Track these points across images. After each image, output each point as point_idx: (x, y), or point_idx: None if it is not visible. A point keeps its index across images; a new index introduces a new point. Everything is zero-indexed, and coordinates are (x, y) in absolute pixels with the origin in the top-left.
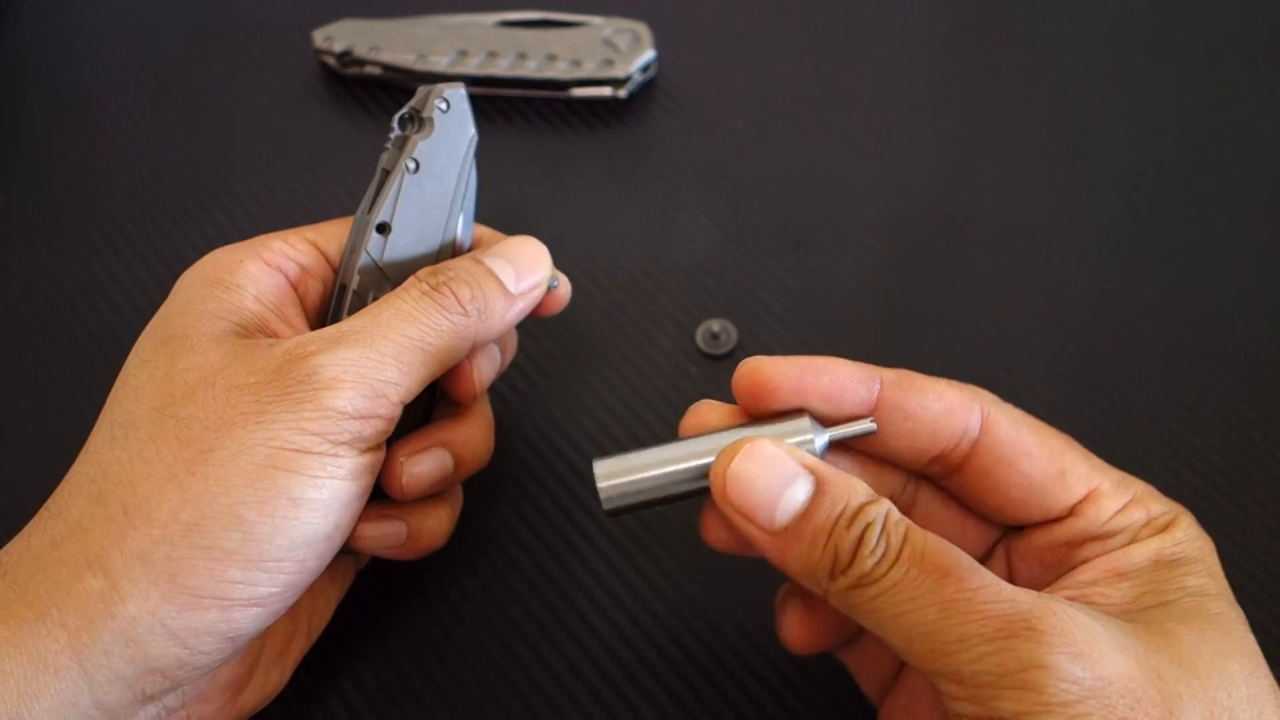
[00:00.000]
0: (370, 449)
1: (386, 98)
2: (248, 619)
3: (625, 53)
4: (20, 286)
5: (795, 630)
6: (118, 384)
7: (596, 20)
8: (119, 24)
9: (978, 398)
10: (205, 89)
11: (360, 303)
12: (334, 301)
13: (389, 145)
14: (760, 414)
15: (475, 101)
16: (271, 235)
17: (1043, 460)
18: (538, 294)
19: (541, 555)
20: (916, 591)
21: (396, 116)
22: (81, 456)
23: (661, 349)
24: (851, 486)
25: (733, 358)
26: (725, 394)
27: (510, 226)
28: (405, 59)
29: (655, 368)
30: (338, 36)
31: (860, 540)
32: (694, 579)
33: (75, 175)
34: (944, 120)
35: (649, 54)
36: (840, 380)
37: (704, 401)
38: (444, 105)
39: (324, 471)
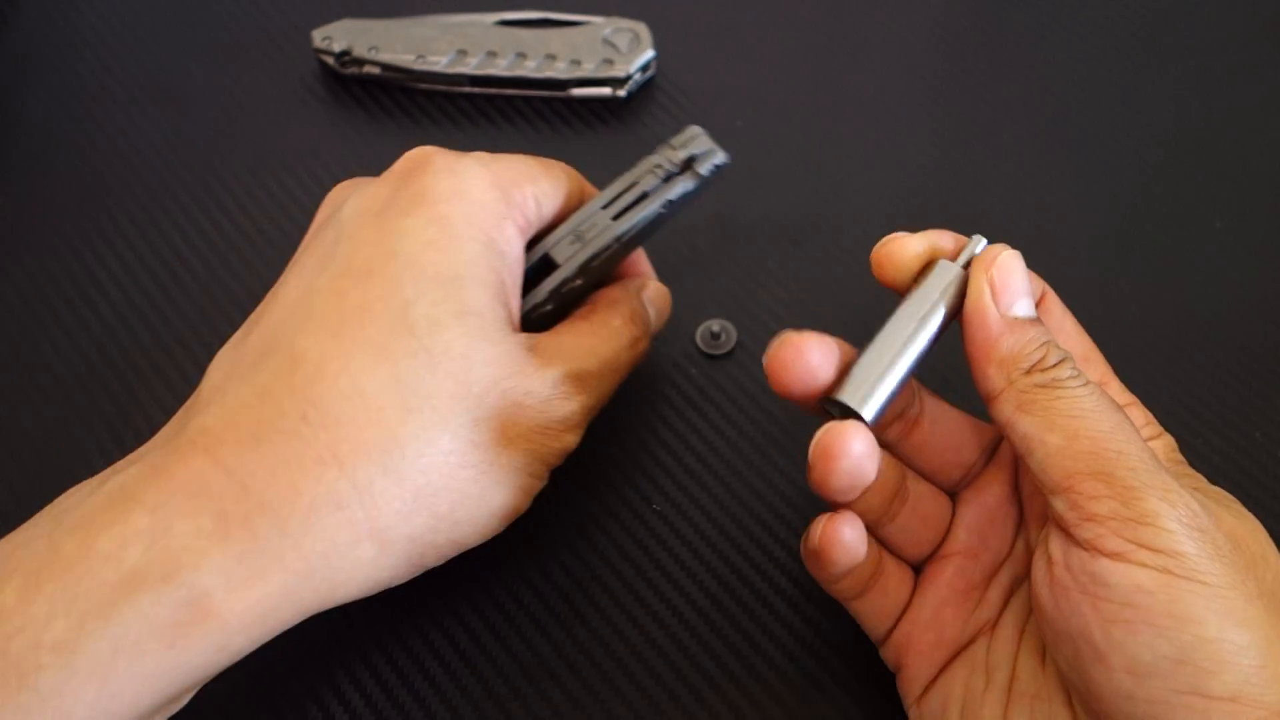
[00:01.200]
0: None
1: (386, 97)
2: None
3: (625, 52)
4: (20, 286)
5: (842, 547)
6: (389, 309)
7: (596, 20)
8: (119, 24)
9: (1039, 279)
10: (205, 89)
11: (556, 288)
12: (535, 266)
13: (659, 168)
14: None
15: (475, 101)
16: (513, 178)
17: (1076, 341)
18: (657, 329)
19: (543, 555)
20: (1097, 406)
21: (680, 154)
22: (345, 391)
23: (661, 349)
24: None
25: (733, 358)
26: (725, 394)
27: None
28: (404, 59)
29: (655, 367)
30: (337, 36)
31: (1064, 360)
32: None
33: (75, 175)
34: (944, 120)
35: (648, 54)
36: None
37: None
38: (715, 172)
39: (527, 499)
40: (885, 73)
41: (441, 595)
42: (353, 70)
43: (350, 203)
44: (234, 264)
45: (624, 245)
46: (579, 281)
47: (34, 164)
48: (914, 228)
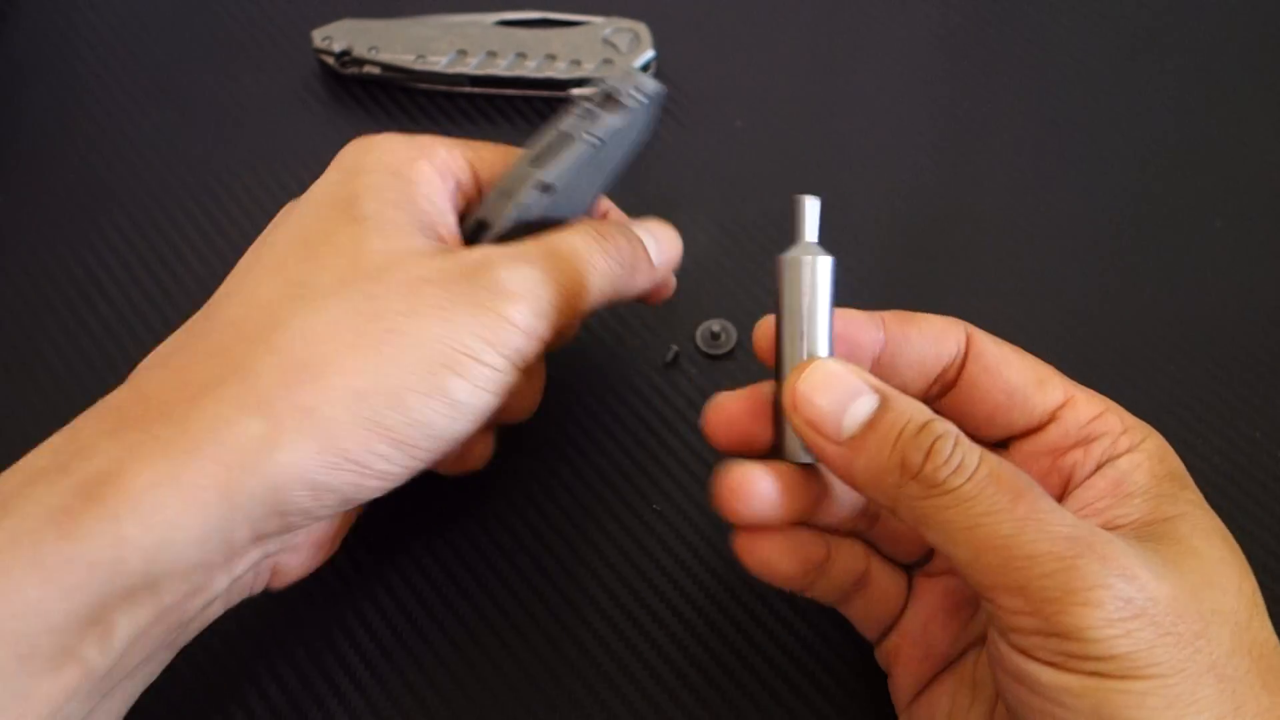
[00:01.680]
0: (520, 369)
1: (386, 97)
2: (371, 488)
3: (625, 52)
4: (20, 286)
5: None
6: (290, 242)
7: (596, 20)
8: (119, 24)
9: (959, 322)
10: (205, 89)
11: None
12: (471, 230)
13: (576, 111)
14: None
15: (475, 101)
16: (435, 139)
17: (1023, 369)
18: (667, 274)
19: (543, 554)
20: (991, 507)
21: (597, 89)
22: (241, 301)
23: (662, 349)
24: (917, 406)
25: (733, 358)
26: None
27: None
28: (404, 59)
29: (655, 367)
30: (337, 36)
31: (930, 450)
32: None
33: (75, 175)
34: (944, 120)
35: (649, 54)
36: (856, 326)
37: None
38: (645, 99)
39: (484, 381)
40: (885, 72)
41: (439, 591)
42: (353, 70)
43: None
44: (234, 264)
45: (565, 194)
46: (518, 237)
47: (34, 164)
48: (914, 227)
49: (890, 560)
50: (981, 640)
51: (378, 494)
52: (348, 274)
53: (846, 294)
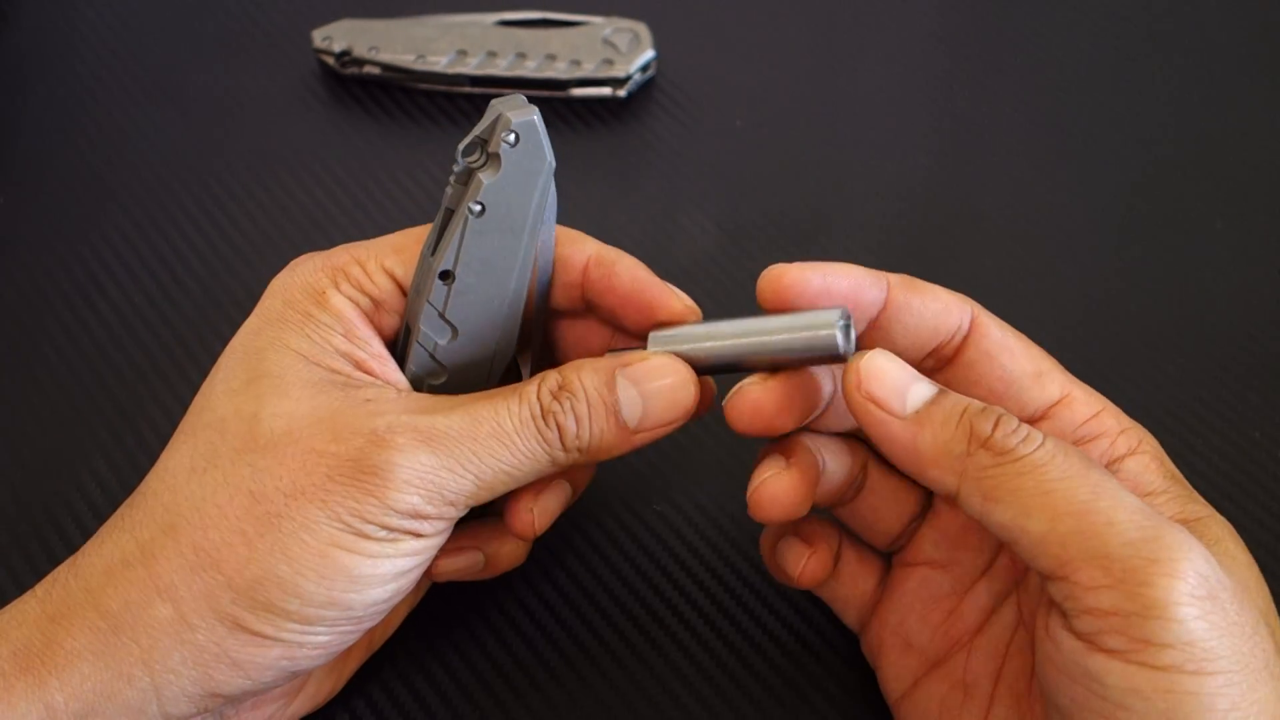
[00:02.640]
0: (433, 536)
1: (386, 97)
2: (309, 659)
3: (625, 52)
4: (20, 286)
5: (800, 564)
6: (202, 406)
7: (596, 20)
8: (119, 24)
9: (968, 301)
10: (205, 89)
11: (425, 353)
12: (401, 338)
13: (452, 180)
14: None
15: (475, 101)
16: (350, 259)
17: (1023, 359)
18: (664, 434)
19: (543, 554)
20: (1066, 472)
21: (461, 145)
22: (159, 471)
23: None
24: (969, 398)
25: None
26: (723, 392)
27: None
28: (404, 59)
29: None
30: (337, 36)
31: (998, 422)
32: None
33: (75, 175)
34: (944, 120)
35: (648, 54)
36: (857, 282)
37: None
38: (512, 139)
39: (382, 553)
40: (885, 73)
41: (441, 595)
42: (353, 70)
43: None
44: (234, 264)
45: (482, 272)
46: (449, 339)
47: (34, 164)
48: (914, 227)
49: (865, 546)
50: (970, 641)
51: (331, 658)
52: (243, 442)
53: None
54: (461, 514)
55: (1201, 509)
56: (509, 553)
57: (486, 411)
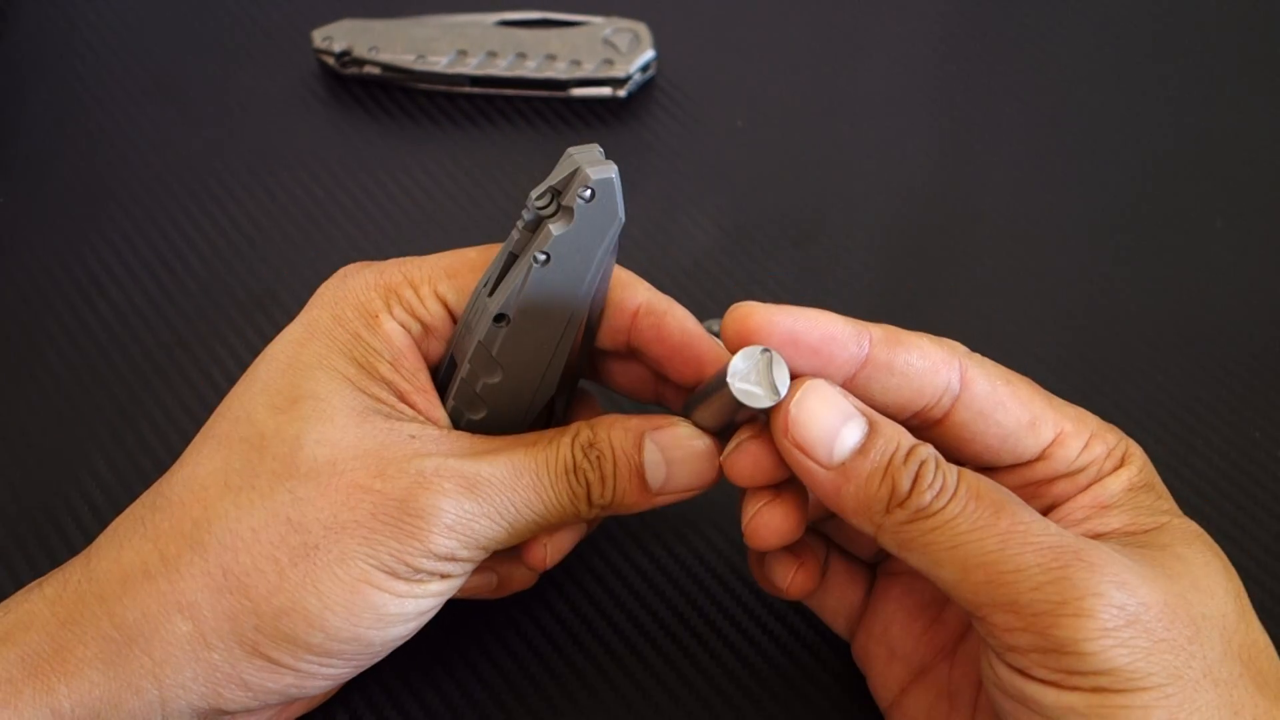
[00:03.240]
0: (462, 576)
1: (386, 97)
2: (319, 687)
3: (625, 52)
4: (20, 286)
5: (789, 576)
6: (239, 416)
7: (596, 20)
8: (119, 24)
9: (955, 352)
10: (205, 89)
11: (469, 390)
12: (445, 368)
13: (520, 224)
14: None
15: (475, 101)
16: (404, 280)
17: (1016, 410)
18: (681, 499)
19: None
20: (974, 524)
21: (535, 192)
22: (188, 480)
23: None
24: (899, 429)
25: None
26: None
27: (509, 226)
28: (405, 59)
29: None
30: (337, 36)
31: (917, 475)
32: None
33: (75, 175)
34: (944, 120)
35: (649, 54)
36: (832, 335)
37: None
38: (588, 194)
39: (411, 594)
40: (886, 73)
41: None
42: (353, 70)
43: None
44: (234, 264)
45: (536, 316)
46: (496, 378)
47: (34, 164)
48: (914, 227)
49: (852, 557)
50: (953, 649)
51: (339, 686)
52: (284, 467)
53: (845, 293)
54: (485, 557)
55: (1157, 517)
56: (521, 576)
57: (526, 463)
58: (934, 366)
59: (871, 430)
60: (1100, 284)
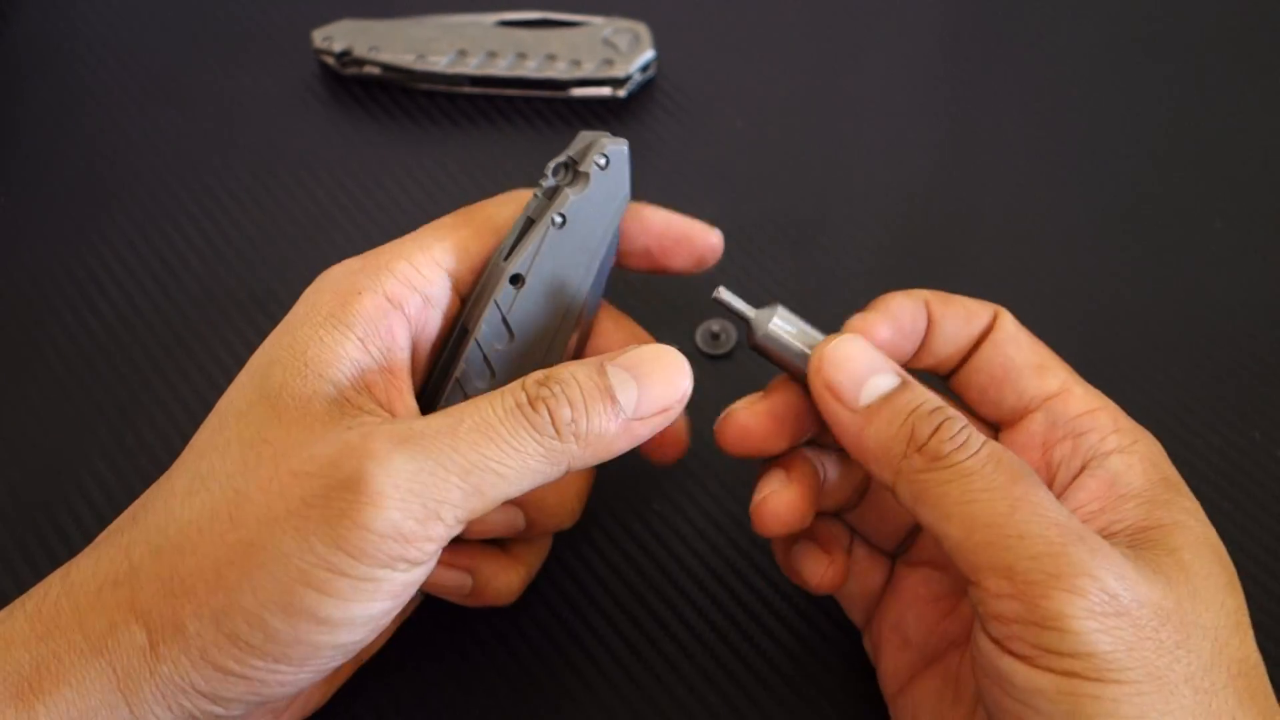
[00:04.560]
0: (417, 566)
1: (386, 98)
2: (278, 692)
3: (625, 53)
4: (20, 286)
5: (820, 572)
6: (216, 425)
7: (596, 20)
8: (119, 24)
9: (990, 306)
10: (205, 89)
11: (480, 355)
12: (452, 343)
13: (538, 193)
14: None
15: (475, 101)
16: (400, 251)
17: (1029, 351)
18: (663, 422)
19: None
20: (989, 484)
21: (552, 164)
22: (161, 487)
23: None
24: (931, 394)
25: (732, 358)
26: (726, 395)
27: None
28: (405, 59)
29: None
30: (337, 36)
31: (939, 427)
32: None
33: (75, 175)
34: (944, 120)
35: (649, 54)
36: (897, 310)
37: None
38: (603, 161)
39: (355, 594)
40: (886, 72)
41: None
42: (353, 70)
43: None
44: (234, 264)
45: (550, 282)
46: (505, 344)
47: (34, 164)
48: (914, 227)
49: (872, 546)
50: (964, 640)
51: (302, 690)
52: (238, 464)
53: (845, 293)
54: (450, 534)
55: (1174, 515)
56: (499, 585)
57: (466, 409)
58: (974, 313)
59: (902, 384)
60: (1100, 284)
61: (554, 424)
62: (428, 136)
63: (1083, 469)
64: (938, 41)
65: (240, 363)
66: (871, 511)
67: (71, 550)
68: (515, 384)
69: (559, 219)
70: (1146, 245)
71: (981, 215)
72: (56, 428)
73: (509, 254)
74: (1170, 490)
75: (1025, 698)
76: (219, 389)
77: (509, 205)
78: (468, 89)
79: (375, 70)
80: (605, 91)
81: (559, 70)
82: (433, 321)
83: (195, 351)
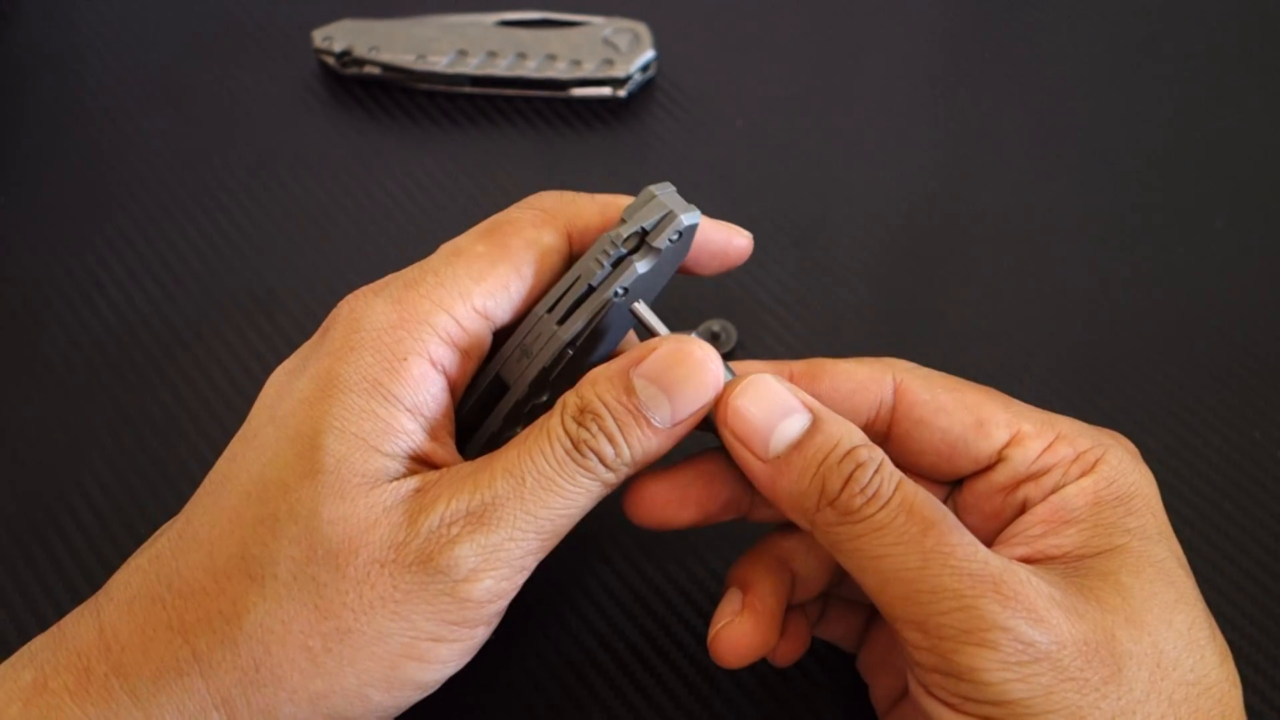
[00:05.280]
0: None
1: (386, 97)
2: None
3: (625, 52)
4: (20, 286)
5: (775, 653)
6: (249, 490)
7: (596, 20)
8: (119, 24)
9: (890, 368)
10: (205, 89)
11: (519, 411)
12: (486, 389)
13: (599, 258)
14: None
15: (475, 101)
16: (440, 300)
17: (959, 413)
18: (701, 415)
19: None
20: (900, 538)
21: (624, 234)
22: (208, 566)
23: None
24: (848, 429)
25: (733, 358)
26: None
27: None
28: (405, 59)
29: None
30: (337, 36)
31: (849, 478)
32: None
33: (75, 175)
34: (944, 119)
35: (649, 54)
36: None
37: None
38: (677, 238)
39: (455, 655)
40: (886, 72)
41: None
42: (353, 70)
43: (280, 365)
44: (234, 264)
45: (587, 347)
46: (544, 398)
47: (34, 164)
48: (914, 227)
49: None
50: None
51: None
52: (302, 552)
53: (845, 293)
54: (528, 573)
55: (1116, 537)
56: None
57: (524, 464)
58: (861, 385)
59: (812, 426)
60: (1100, 284)
61: (602, 462)
62: (428, 136)
63: (1043, 499)
64: (938, 42)
65: (241, 362)
66: (850, 589)
67: (71, 549)
68: (555, 423)
69: (622, 291)
70: (1146, 245)
71: (981, 215)
72: (56, 428)
73: (563, 317)
74: (1120, 509)
75: None
76: (219, 389)
77: (545, 230)
78: (468, 89)
79: (375, 70)
80: (605, 91)
81: (559, 70)
82: (467, 373)
83: (195, 351)
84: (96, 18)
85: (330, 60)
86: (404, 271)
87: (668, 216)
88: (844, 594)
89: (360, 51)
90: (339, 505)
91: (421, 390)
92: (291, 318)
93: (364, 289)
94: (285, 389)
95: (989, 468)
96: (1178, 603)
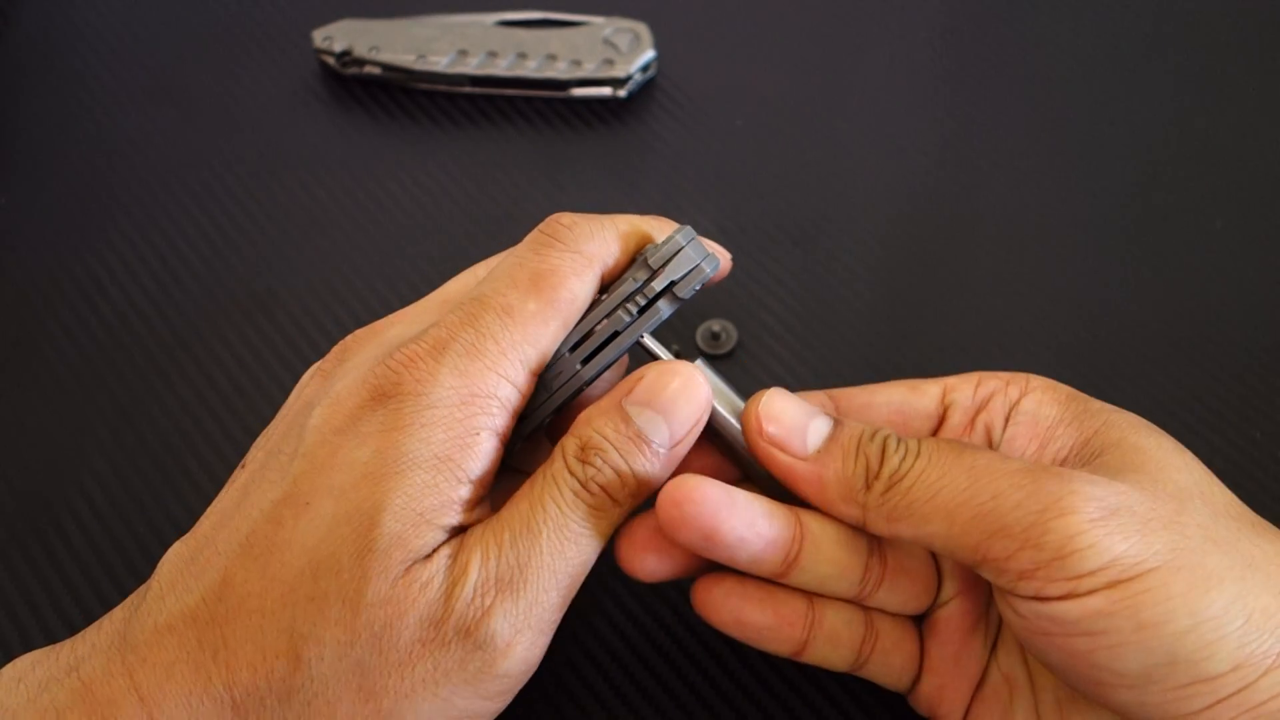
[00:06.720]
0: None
1: (386, 97)
2: None
3: (625, 53)
4: (20, 286)
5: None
6: (304, 567)
7: (596, 20)
8: (119, 24)
9: (827, 398)
10: (205, 89)
11: (521, 436)
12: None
13: (624, 303)
14: None
15: (475, 101)
16: (504, 371)
17: (891, 389)
18: (698, 431)
19: None
20: (944, 469)
21: (658, 286)
22: (256, 634)
23: None
24: (859, 422)
25: (733, 358)
26: None
27: (509, 227)
28: (405, 59)
29: None
30: (337, 36)
31: (884, 447)
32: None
33: (75, 175)
34: (944, 120)
35: (649, 54)
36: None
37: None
38: (699, 286)
39: (491, 716)
40: (886, 72)
41: None
42: (353, 70)
43: (319, 411)
44: (234, 264)
45: (593, 375)
46: (549, 420)
47: (34, 164)
48: (914, 227)
49: (895, 616)
50: (994, 646)
51: None
52: (346, 639)
53: (845, 293)
54: (554, 631)
55: (1098, 417)
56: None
57: (538, 515)
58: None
59: (837, 421)
60: (1100, 284)
61: (610, 497)
62: (428, 136)
63: (1006, 424)
64: (938, 42)
65: (240, 362)
66: (901, 578)
67: (71, 549)
68: (559, 468)
69: (645, 336)
70: (1147, 245)
71: (981, 216)
72: (56, 428)
73: (587, 358)
74: (1081, 401)
75: (1089, 626)
76: (219, 389)
77: (586, 278)
78: (468, 89)
79: (375, 70)
80: (605, 91)
81: (559, 70)
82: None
83: (195, 351)
84: (96, 18)
85: (330, 60)
86: (457, 329)
87: (695, 271)
88: (894, 606)
89: (360, 51)
90: (382, 586)
91: (486, 460)
92: (291, 318)
93: (418, 347)
94: (338, 451)
95: (941, 421)
96: (1179, 449)
